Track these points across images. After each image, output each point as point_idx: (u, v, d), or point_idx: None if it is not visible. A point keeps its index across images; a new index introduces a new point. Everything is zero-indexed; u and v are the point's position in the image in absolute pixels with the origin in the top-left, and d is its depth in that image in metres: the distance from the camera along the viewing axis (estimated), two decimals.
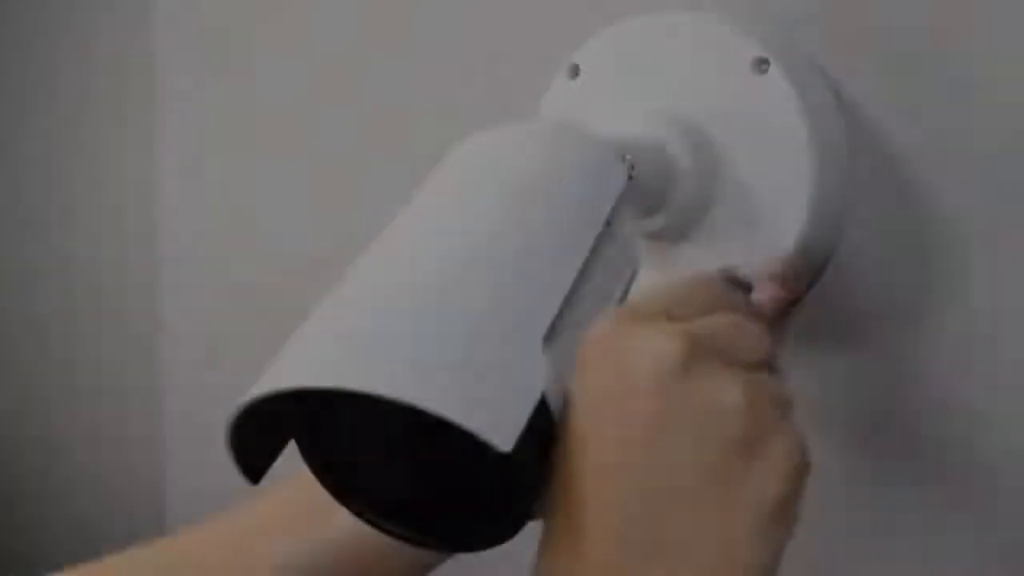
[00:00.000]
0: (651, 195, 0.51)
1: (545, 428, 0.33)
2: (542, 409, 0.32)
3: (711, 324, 0.37)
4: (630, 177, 0.45)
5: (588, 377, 0.35)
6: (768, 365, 0.38)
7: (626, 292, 0.42)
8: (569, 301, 0.36)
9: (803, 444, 0.35)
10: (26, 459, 1.02)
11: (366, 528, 0.37)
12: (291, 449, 0.36)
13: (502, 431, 0.29)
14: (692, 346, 0.34)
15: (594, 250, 0.38)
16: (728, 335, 0.37)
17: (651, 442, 0.33)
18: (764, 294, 0.46)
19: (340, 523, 0.46)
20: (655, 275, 0.56)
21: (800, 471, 0.35)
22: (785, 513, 0.34)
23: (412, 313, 0.32)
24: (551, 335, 0.34)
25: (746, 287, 0.47)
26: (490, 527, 0.35)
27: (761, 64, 0.51)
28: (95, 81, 0.96)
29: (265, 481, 0.35)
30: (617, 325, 0.36)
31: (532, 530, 0.36)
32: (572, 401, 0.35)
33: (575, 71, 0.57)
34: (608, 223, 0.41)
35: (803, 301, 0.52)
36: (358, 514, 0.37)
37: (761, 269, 0.47)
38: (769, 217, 0.52)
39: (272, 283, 0.85)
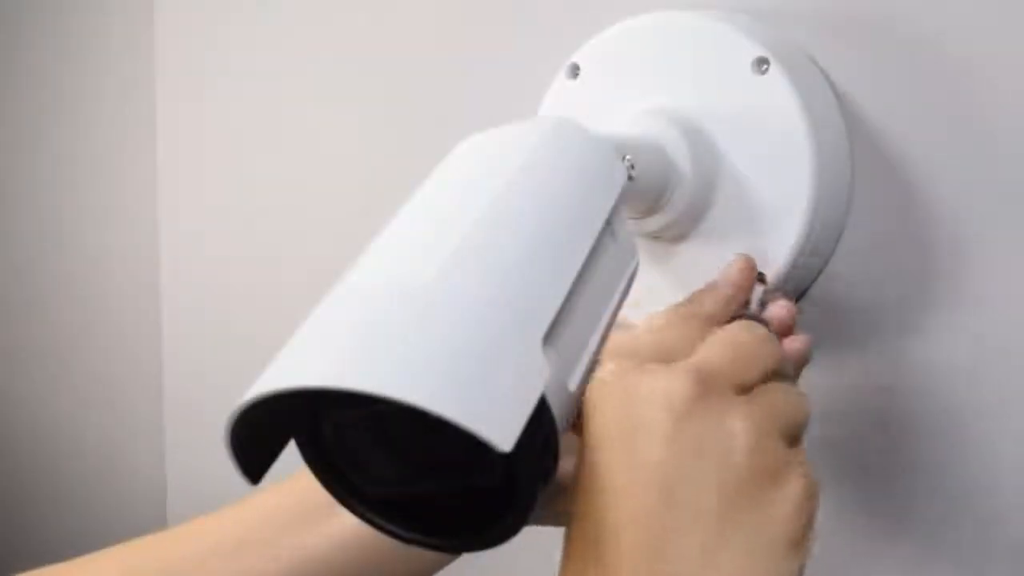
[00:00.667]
0: (651, 195, 0.51)
1: (545, 428, 0.33)
2: (542, 409, 0.32)
3: (715, 351, 0.38)
4: (630, 177, 0.45)
5: (596, 423, 0.36)
6: (778, 371, 0.39)
7: (626, 292, 0.42)
8: (569, 301, 0.36)
9: (811, 476, 0.36)
10: (26, 459, 1.02)
11: (368, 529, 0.37)
12: (291, 449, 0.36)
13: (502, 431, 0.29)
14: (698, 383, 0.35)
15: (594, 250, 0.38)
16: (733, 356, 0.38)
17: (665, 487, 0.34)
18: (775, 313, 0.47)
19: (341, 524, 0.46)
20: (655, 275, 0.56)
21: (813, 500, 0.36)
22: (802, 542, 0.35)
23: (412, 312, 0.32)
24: (551, 335, 0.34)
25: (751, 317, 0.47)
26: (490, 527, 0.35)
27: (761, 64, 0.51)
28: (95, 81, 0.96)
29: (265, 481, 0.35)
30: (621, 368, 0.36)
31: (532, 531, 0.36)
32: (584, 447, 0.36)
33: (575, 71, 0.57)
34: (608, 223, 0.40)
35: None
36: (358, 514, 0.37)
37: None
38: (769, 217, 0.52)
39: (272, 283, 0.85)
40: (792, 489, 0.35)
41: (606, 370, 0.37)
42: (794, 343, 0.47)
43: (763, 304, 0.49)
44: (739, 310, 0.47)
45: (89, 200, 0.98)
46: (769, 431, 0.36)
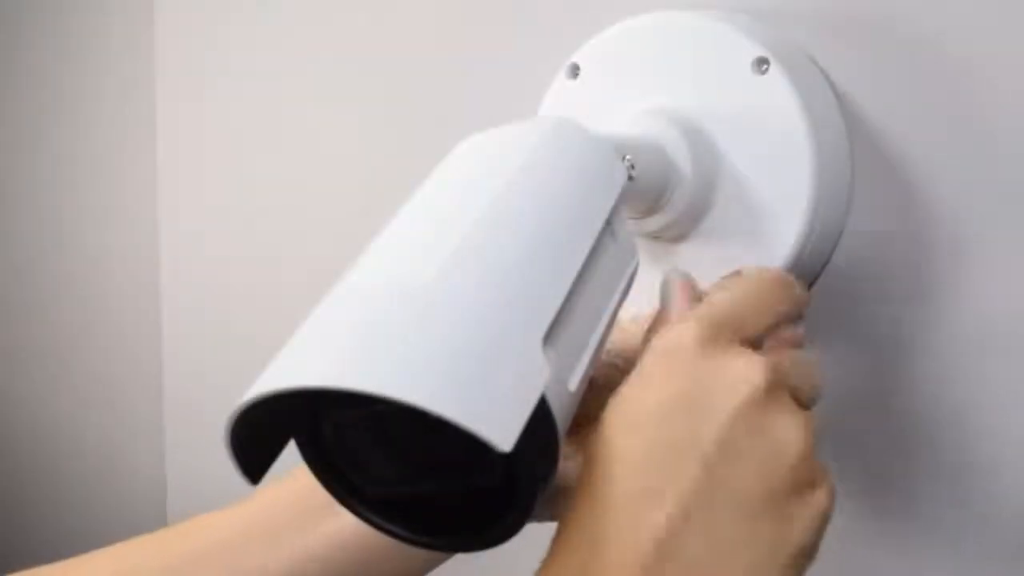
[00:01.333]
0: (651, 195, 0.51)
1: (545, 428, 0.33)
2: (542, 409, 0.32)
3: (787, 357, 0.38)
4: (630, 177, 0.45)
5: (662, 383, 0.36)
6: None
7: (626, 292, 0.42)
8: (569, 301, 0.36)
9: (835, 493, 0.37)
10: (26, 459, 1.02)
11: (368, 529, 0.37)
12: (291, 449, 0.36)
13: (502, 431, 0.29)
14: (773, 380, 0.36)
15: (594, 250, 0.38)
16: (797, 371, 0.38)
17: (713, 465, 0.34)
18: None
19: (340, 523, 0.46)
20: (655, 275, 0.56)
21: (830, 516, 0.36)
22: (811, 555, 0.36)
23: (412, 312, 0.32)
24: (551, 335, 0.34)
25: None
26: (490, 527, 0.35)
27: (761, 64, 0.51)
28: (95, 81, 0.96)
29: (265, 481, 0.35)
30: (701, 339, 0.36)
31: (532, 531, 0.36)
32: (633, 395, 0.36)
33: (575, 71, 0.57)
34: (608, 223, 0.40)
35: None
36: (358, 514, 0.37)
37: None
38: (769, 217, 0.52)
39: (272, 283, 0.85)
40: (817, 505, 0.36)
41: (682, 334, 0.37)
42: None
43: None
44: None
45: (89, 200, 0.98)
46: (815, 445, 0.36)
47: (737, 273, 0.46)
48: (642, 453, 0.34)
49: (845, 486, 0.56)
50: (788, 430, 0.35)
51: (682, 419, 0.35)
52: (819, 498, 0.36)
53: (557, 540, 0.36)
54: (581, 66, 0.57)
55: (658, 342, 0.37)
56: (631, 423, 0.35)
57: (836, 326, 0.55)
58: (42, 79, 0.96)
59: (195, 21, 0.89)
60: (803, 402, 0.38)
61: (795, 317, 0.43)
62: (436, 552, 0.47)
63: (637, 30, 0.55)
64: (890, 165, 0.52)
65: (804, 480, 0.35)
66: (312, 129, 0.81)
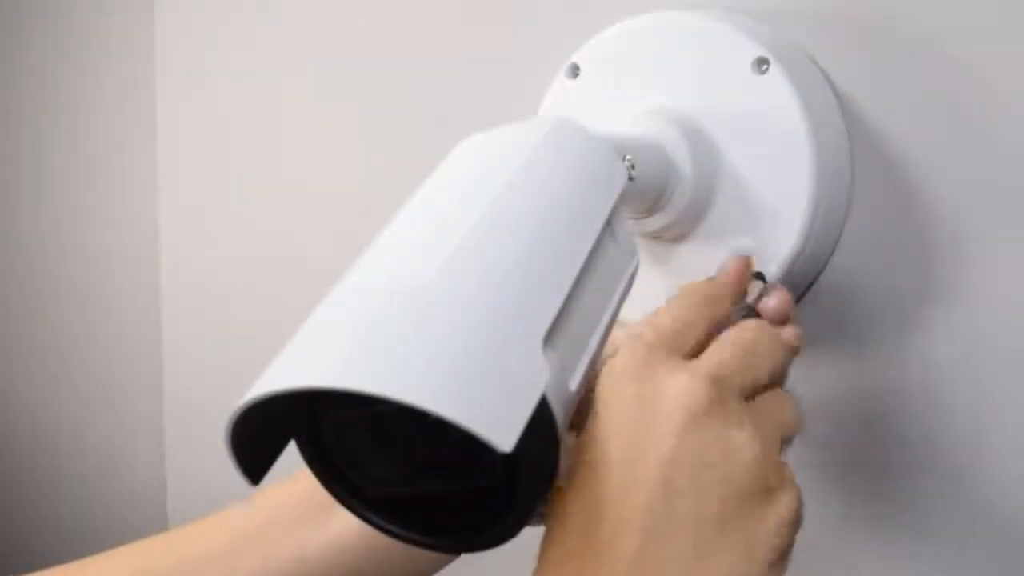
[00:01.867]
0: (651, 195, 0.51)
1: (546, 428, 0.33)
2: (543, 409, 0.32)
3: (728, 352, 0.38)
4: (630, 177, 0.45)
5: (610, 411, 0.36)
6: (782, 372, 0.39)
7: (626, 292, 0.42)
8: (569, 301, 0.36)
9: (800, 498, 0.37)
10: (26, 459, 1.02)
11: (369, 530, 0.37)
12: (291, 449, 0.36)
13: (502, 431, 0.29)
14: (715, 389, 0.36)
15: (594, 250, 0.38)
16: (744, 359, 0.38)
17: (667, 486, 0.35)
18: (769, 305, 0.47)
19: (341, 525, 0.46)
20: (655, 275, 0.56)
21: (797, 523, 0.36)
22: (783, 561, 0.36)
23: (412, 313, 0.32)
24: (551, 335, 0.34)
25: (758, 275, 0.48)
26: (491, 528, 0.35)
27: (761, 64, 0.51)
28: (95, 81, 0.96)
29: (265, 482, 0.35)
30: (640, 360, 0.37)
31: (532, 531, 0.36)
32: (586, 434, 0.36)
33: (575, 71, 0.57)
34: (608, 223, 0.40)
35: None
36: (358, 514, 0.37)
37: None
38: (769, 217, 0.52)
39: (272, 283, 0.85)
40: (783, 506, 0.36)
41: (624, 355, 0.37)
42: (785, 333, 0.47)
43: (759, 299, 0.49)
44: (737, 303, 0.47)
45: (89, 200, 0.98)
46: (772, 445, 0.37)
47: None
48: (603, 483, 0.35)
49: (844, 486, 0.56)
50: (737, 438, 0.35)
51: (633, 446, 0.35)
52: (783, 504, 0.36)
53: (546, 552, 0.36)
54: (581, 66, 0.57)
55: (607, 368, 0.38)
56: (593, 451, 0.36)
57: (836, 326, 0.55)
58: (42, 79, 0.96)
59: (195, 21, 0.89)
60: (763, 384, 0.38)
61: (740, 315, 0.43)
62: (437, 555, 0.47)
63: (637, 30, 0.55)
64: (890, 165, 0.52)
65: (762, 486, 0.35)
66: (312, 129, 0.81)
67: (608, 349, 0.45)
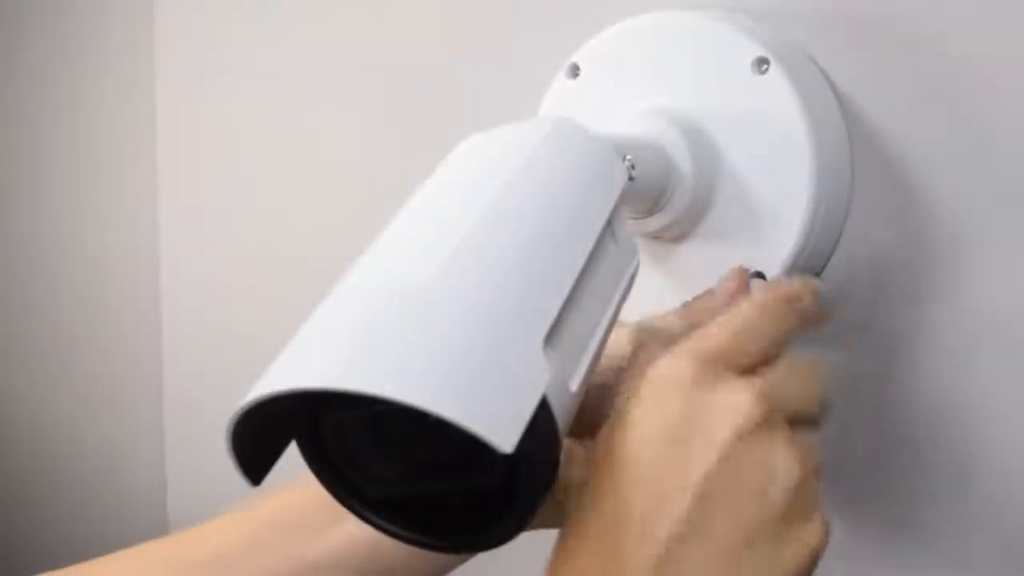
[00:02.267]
0: (651, 195, 0.51)
1: (546, 429, 0.33)
2: (543, 410, 0.32)
3: (784, 380, 0.38)
4: (631, 177, 0.45)
5: (649, 416, 0.36)
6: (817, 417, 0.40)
7: (626, 293, 0.42)
8: (570, 302, 0.36)
9: (828, 528, 0.37)
10: (26, 459, 1.02)
11: (373, 537, 0.37)
12: (291, 449, 0.36)
13: (503, 432, 0.29)
14: (766, 408, 0.36)
15: (595, 250, 0.38)
16: (796, 391, 0.38)
17: (703, 498, 0.34)
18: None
19: (346, 531, 0.46)
20: (655, 275, 0.56)
21: (824, 547, 0.36)
22: None
23: (412, 313, 0.32)
24: (552, 336, 0.34)
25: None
26: (491, 528, 0.35)
27: (761, 64, 0.51)
28: (95, 81, 0.96)
29: (266, 482, 0.35)
30: (696, 368, 0.37)
31: (533, 532, 0.36)
32: (619, 434, 0.36)
33: (575, 71, 0.57)
34: (608, 223, 0.40)
35: None
36: (358, 514, 0.37)
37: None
38: (769, 217, 0.52)
39: (272, 283, 0.85)
40: (811, 534, 0.36)
41: (673, 362, 0.37)
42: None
43: None
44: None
45: (89, 200, 0.98)
46: (811, 474, 0.36)
47: (739, 277, 0.47)
48: (633, 487, 0.35)
49: (844, 486, 0.56)
50: (780, 462, 0.36)
51: (672, 455, 0.35)
52: (811, 531, 0.36)
53: (560, 555, 0.36)
54: (581, 66, 0.57)
55: (652, 373, 0.37)
56: (624, 455, 0.36)
57: (835, 326, 0.55)
58: (42, 79, 0.96)
59: (195, 21, 0.89)
60: (809, 420, 0.38)
61: (807, 330, 0.43)
62: (443, 558, 0.47)
63: (637, 30, 0.55)
64: (890, 165, 0.52)
65: (796, 512, 0.36)
66: (312, 129, 0.81)
67: (614, 348, 0.45)
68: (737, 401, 0.36)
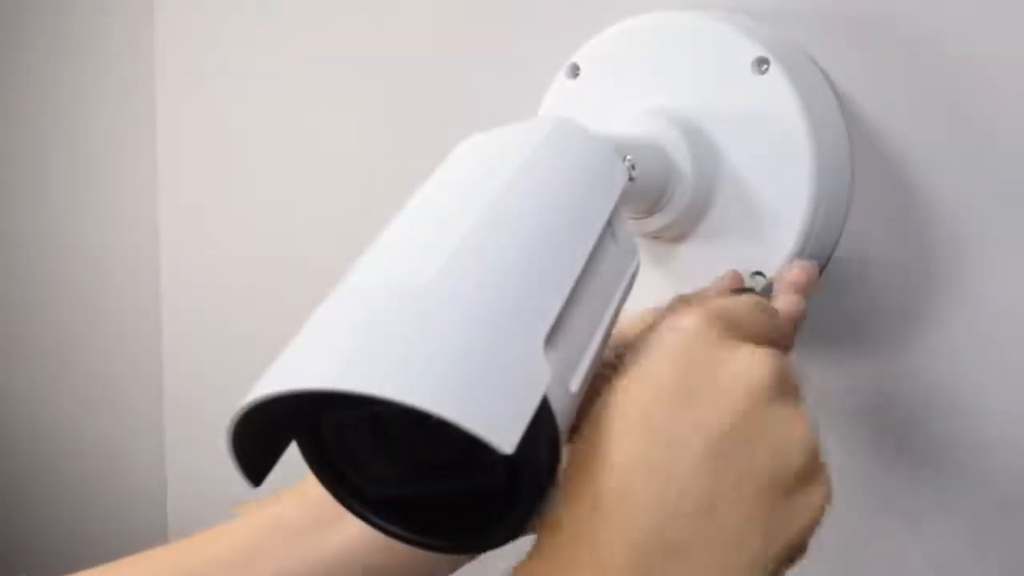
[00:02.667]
0: (651, 195, 0.51)
1: (547, 429, 0.33)
2: (544, 410, 0.32)
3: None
4: (631, 178, 0.45)
5: (667, 368, 0.35)
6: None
7: (627, 293, 0.42)
8: (570, 302, 0.36)
9: (812, 425, 0.37)
10: (26, 459, 1.02)
11: (375, 540, 0.37)
12: (292, 449, 0.36)
13: (503, 433, 0.29)
14: (781, 375, 0.36)
15: (595, 251, 0.38)
16: (792, 368, 0.38)
17: (719, 455, 0.34)
18: (789, 307, 0.47)
19: (348, 535, 0.46)
20: (655, 275, 0.56)
21: (824, 513, 0.36)
22: (802, 550, 0.36)
23: (412, 313, 0.32)
24: (552, 336, 0.34)
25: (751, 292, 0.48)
26: (491, 528, 0.35)
27: (761, 64, 0.51)
28: (95, 81, 0.96)
29: (266, 483, 0.35)
30: (709, 328, 0.36)
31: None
32: (637, 381, 0.35)
33: (575, 71, 0.57)
34: (609, 223, 0.40)
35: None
36: (357, 514, 0.37)
37: (782, 278, 0.48)
38: (769, 217, 0.52)
39: (272, 283, 0.85)
40: (816, 499, 0.36)
41: (696, 320, 0.37)
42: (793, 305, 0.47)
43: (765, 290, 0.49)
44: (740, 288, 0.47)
45: (89, 200, 0.98)
46: (818, 440, 0.36)
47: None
48: (644, 442, 0.34)
49: (844, 483, 0.56)
50: (795, 426, 0.36)
51: (687, 408, 0.35)
52: (817, 494, 0.36)
53: (539, 538, 0.35)
54: (581, 66, 0.57)
55: (665, 326, 0.37)
56: (633, 412, 0.35)
57: (836, 326, 0.55)
58: (42, 79, 0.96)
59: (195, 21, 0.89)
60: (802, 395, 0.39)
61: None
62: (443, 562, 0.47)
63: (637, 30, 0.55)
64: (890, 165, 0.52)
65: (806, 476, 0.35)
66: (312, 129, 0.81)
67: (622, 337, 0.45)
68: (755, 361, 0.36)
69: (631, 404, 0.35)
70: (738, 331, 0.38)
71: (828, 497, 0.36)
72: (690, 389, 0.35)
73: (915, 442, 0.54)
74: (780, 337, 0.40)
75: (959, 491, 0.53)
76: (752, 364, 0.36)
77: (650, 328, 0.38)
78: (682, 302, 0.40)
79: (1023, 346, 0.50)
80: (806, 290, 0.48)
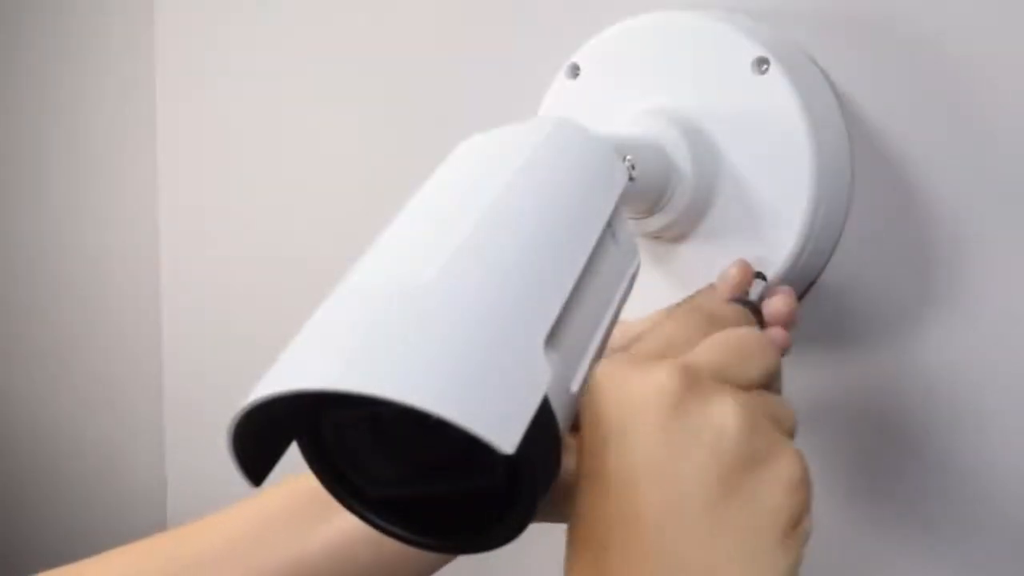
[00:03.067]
0: (652, 195, 0.51)
1: (548, 430, 0.33)
2: (544, 410, 0.32)
3: (711, 349, 0.38)
4: (631, 178, 0.45)
5: (590, 421, 0.36)
6: (771, 383, 0.39)
7: (627, 293, 0.42)
8: (570, 302, 0.36)
9: (802, 458, 0.36)
10: (26, 459, 1.02)
11: (367, 533, 0.37)
12: (292, 449, 0.36)
13: (504, 433, 0.29)
14: (688, 377, 0.36)
15: (595, 251, 0.38)
16: (728, 355, 0.38)
17: (661, 483, 0.34)
18: (773, 306, 0.47)
19: (340, 527, 0.46)
20: (655, 275, 0.56)
21: (804, 482, 0.36)
22: (797, 526, 0.35)
23: (413, 313, 0.32)
24: (552, 336, 0.34)
25: (751, 306, 0.47)
26: (492, 529, 0.35)
27: (761, 64, 0.51)
28: (95, 81, 0.96)
29: (266, 483, 0.35)
30: (614, 364, 0.37)
31: (535, 531, 0.36)
32: (581, 446, 0.36)
33: (575, 71, 0.57)
34: (609, 223, 0.40)
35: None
36: (358, 514, 0.37)
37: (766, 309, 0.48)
38: (769, 217, 0.52)
39: (272, 283, 0.85)
40: (782, 471, 0.35)
41: (601, 365, 0.37)
42: (775, 333, 0.47)
43: (762, 299, 0.49)
44: (740, 298, 0.47)
45: (89, 200, 0.98)
46: (758, 415, 0.36)
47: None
48: (606, 477, 0.35)
49: (845, 484, 0.56)
50: (716, 416, 0.35)
51: (617, 447, 0.35)
52: (780, 466, 0.35)
53: (570, 549, 0.36)
54: (581, 66, 0.57)
55: (637, 388, 0.37)
56: (617, 476, 0.35)
57: (836, 326, 0.55)
58: (42, 79, 0.96)
59: (195, 21, 0.89)
60: (747, 381, 0.38)
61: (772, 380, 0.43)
62: (436, 556, 0.47)
63: (637, 30, 0.55)
64: (890, 165, 0.52)
65: (756, 452, 0.35)
66: (312, 129, 0.81)
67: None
68: (653, 379, 0.35)
69: (585, 456, 0.36)
70: (662, 347, 0.38)
71: (795, 461, 0.36)
72: (615, 430, 0.35)
73: (914, 442, 0.54)
74: (769, 378, 0.39)
75: (959, 491, 0.53)
76: (649, 386, 0.36)
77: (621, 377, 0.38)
78: (686, 311, 0.40)
79: (1023, 346, 0.50)
80: (790, 320, 0.48)
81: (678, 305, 0.44)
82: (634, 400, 0.35)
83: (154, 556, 0.48)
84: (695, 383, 0.36)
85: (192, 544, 0.48)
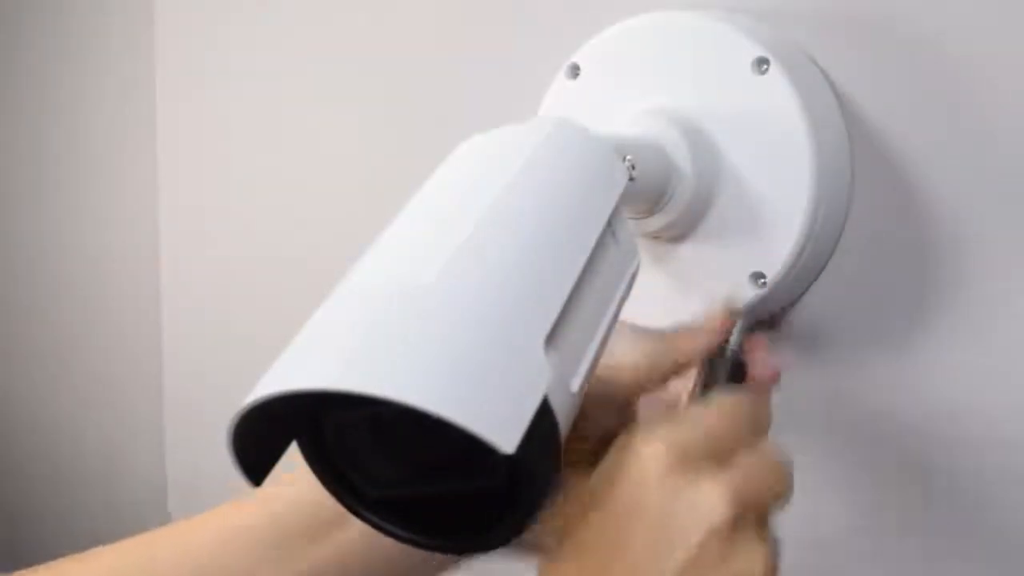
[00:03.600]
0: (652, 195, 0.51)
1: (548, 430, 0.33)
2: (544, 410, 0.32)
3: (757, 476, 0.38)
4: (631, 178, 0.45)
5: (629, 508, 0.36)
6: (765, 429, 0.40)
7: (627, 293, 0.42)
8: (570, 302, 0.36)
9: (775, 556, 0.37)
10: (26, 459, 1.02)
11: (372, 539, 0.37)
12: (292, 449, 0.36)
13: (504, 433, 0.29)
14: (738, 508, 0.36)
15: (595, 251, 0.38)
16: (770, 483, 0.38)
17: (648, 548, 0.35)
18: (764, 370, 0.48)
19: (346, 535, 0.46)
20: (655, 275, 0.56)
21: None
22: None
23: (413, 313, 0.32)
24: (553, 336, 0.34)
25: (736, 359, 0.47)
26: (491, 529, 0.35)
27: (761, 64, 0.51)
28: (95, 81, 0.96)
29: (266, 484, 0.35)
30: (667, 467, 0.36)
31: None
32: (600, 512, 0.36)
33: (575, 71, 0.57)
34: (609, 223, 0.40)
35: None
36: (358, 514, 0.37)
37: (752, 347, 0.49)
38: (769, 217, 0.52)
39: (272, 283, 0.85)
40: (756, 563, 0.36)
41: (654, 454, 0.37)
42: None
43: (741, 333, 0.48)
44: (719, 348, 0.47)
45: (89, 200, 0.98)
46: (772, 570, 0.37)
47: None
48: (621, 557, 0.35)
49: (844, 485, 0.56)
50: (750, 561, 0.36)
51: (646, 548, 0.35)
52: (755, 559, 0.36)
53: None
54: (581, 66, 0.57)
55: (628, 461, 0.37)
56: (596, 539, 0.36)
57: (835, 326, 0.55)
58: (42, 79, 0.96)
59: (195, 21, 0.89)
60: (771, 510, 0.39)
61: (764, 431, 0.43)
62: (441, 560, 0.47)
63: (637, 30, 0.55)
64: (890, 165, 0.52)
65: (728, 551, 0.36)
66: (312, 129, 0.81)
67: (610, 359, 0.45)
68: (708, 500, 0.36)
69: (593, 539, 0.36)
70: (707, 450, 0.38)
71: (766, 563, 0.36)
72: (652, 526, 0.36)
73: (914, 443, 0.54)
74: (754, 439, 0.40)
75: (960, 491, 0.53)
76: (707, 503, 0.36)
77: (618, 449, 0.38)
78: (732, 407, 0.40)
79: (1023, 346, 0.50)
80: (775, 383, 0.48)
81: (723, 401, 0.41)
82: (683, 509, 0.36)
83: (160, 548, 0.48)
84: (743, 520, 0.36)
85: (199, 540, 0.48)
